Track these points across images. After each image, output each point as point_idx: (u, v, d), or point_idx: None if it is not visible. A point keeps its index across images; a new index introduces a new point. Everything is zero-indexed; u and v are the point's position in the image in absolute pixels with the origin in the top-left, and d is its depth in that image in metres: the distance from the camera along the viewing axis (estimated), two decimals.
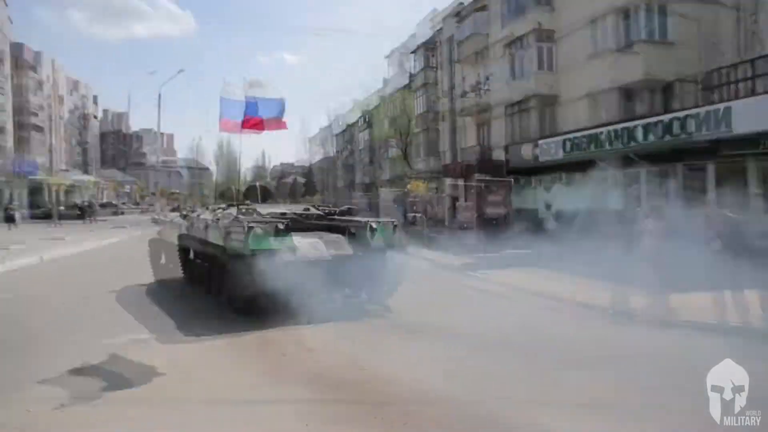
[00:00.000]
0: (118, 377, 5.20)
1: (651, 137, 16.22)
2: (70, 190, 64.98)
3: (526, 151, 22.53)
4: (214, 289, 9.04)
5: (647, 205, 9.75)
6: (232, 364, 5.76)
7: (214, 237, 8.44)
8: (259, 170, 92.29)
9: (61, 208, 40.35)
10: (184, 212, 12.08)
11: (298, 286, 6.72)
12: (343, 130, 72.42)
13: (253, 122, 9.72)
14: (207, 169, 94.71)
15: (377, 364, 5.68)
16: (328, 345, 6.47)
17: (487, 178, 14.19)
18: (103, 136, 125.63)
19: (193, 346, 6.41)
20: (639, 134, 16.69)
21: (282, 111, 9.76)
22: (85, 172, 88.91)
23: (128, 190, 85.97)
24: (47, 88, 79.23)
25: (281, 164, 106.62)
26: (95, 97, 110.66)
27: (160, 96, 28.70)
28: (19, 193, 33.80)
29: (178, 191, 72.09)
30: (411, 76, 41.39)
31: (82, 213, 32.22)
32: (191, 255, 10.73)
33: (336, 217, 9.49)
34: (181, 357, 6.02)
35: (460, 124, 31.55)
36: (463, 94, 29.54)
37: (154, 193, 63.69)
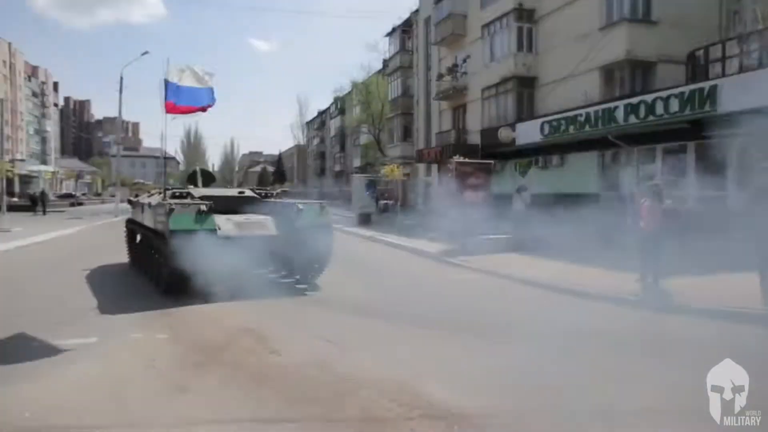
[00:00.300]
0: None
1: (632, 118, 15.68)
2: (26, 180, 62.12)
3: (504, 135, 21.89)
4: (148, 271, 9.20)
5: (645, 185, 9.06)
6: (147, 341, 5.63)
7: (147, 220, 8.70)
8: (228, 158, 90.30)
9: (15, 199, 38.18)
10: (131, 198, 12.43)
11: (220, 264, 6.80)
12: (314, 117, 71.07)
13: (188, 108, 9.52)
14: (174, 158, 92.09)
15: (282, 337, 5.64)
16: (237, 319, 6.43)
17: (468, 161, 13.37)
18: (63, 124, 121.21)
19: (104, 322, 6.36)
20: (620, 115, 16.14)
21: (212, 99, 9.57)
22: (44, 162, 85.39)
23: (89, 181, 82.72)
24: (2, 74, 75.52)
25: (250, 152, 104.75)
26: (56, 84, 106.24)
27: (121, 79, 27.12)
28: None
29: (142, 181, 69.57)
30: (385, 61, 40.42)
31: (33, 203, 30.06)
32: (137, 239, 10.96)
33: (269, 199, 9.62)
34: (91, 332, 5.88)
35: (435, 108, 30.76)
36: (439, 77, 28.71)
37: (114, 184, 61.57)
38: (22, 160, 69.85)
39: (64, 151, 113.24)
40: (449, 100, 28.73)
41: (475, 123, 25.82)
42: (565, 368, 4.54)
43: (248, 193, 9.59)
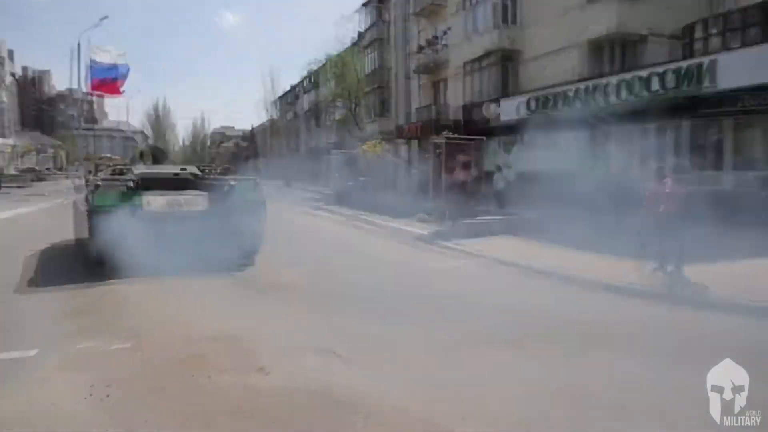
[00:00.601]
0: None
1: (625, 94, 15.10)
2: None
3: (487, 111, 21.17)
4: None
5: (666, 164, 8.45)
6: (97, 354, 4.58)
7: (87, 197, 8.67)
8: (198, 133, 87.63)
9: None
10: (86, 176, 12.14)
11: (146, 240, 6.90)
12: (287, 92, 69.08)
13: (110, 86, 9.55)
14: (142, 132, 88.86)
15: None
16: (208, 317, 5.65)
17: (457, 137, 12.59)
18: (22, 96, 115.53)
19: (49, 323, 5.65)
20: (612, 91, 15.55)
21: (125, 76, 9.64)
22: (2, 135, 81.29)
23: (52, 155, 79.15)
24: None
25: (221, 127, 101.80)
26: (11, 52, 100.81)
27: (79, 46, 25.20)
28: None
29: (109, 155, 66.89)
30: (360, 33, 39.00)
31: None
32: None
33: (210, 176, 9.66)
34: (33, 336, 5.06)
35: (414, 83, 29.74)
36: (419, 50, 27.68)
37: (85, 159, 58.96)
38: None
39: (24, 125, 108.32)
40: (429, 74, 27.75)
41: (456, 98, 24.97)
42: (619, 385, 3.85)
43: (189, 170, 9.58)
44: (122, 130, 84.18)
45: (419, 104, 28.55)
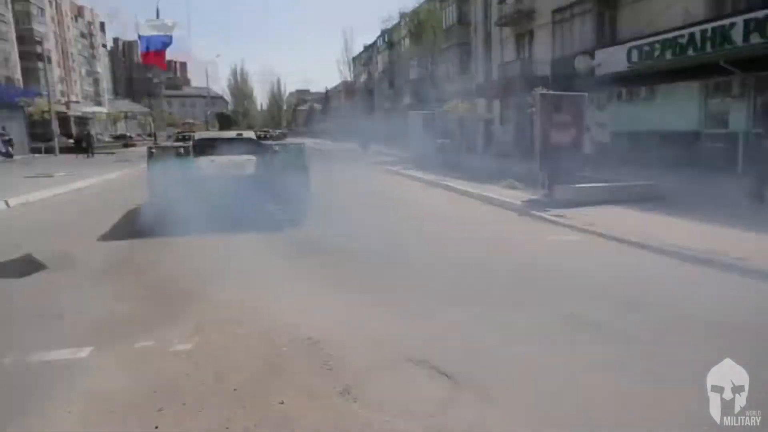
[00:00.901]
0: None
1: (756, 37, 12.91)
2: (82, 122, 62.73)
3: (580, 64, 19.22)
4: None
5: None
6: (156, 358, 3.78)
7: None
8: (275, 97, 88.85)
9: (71, 141, 37.96)
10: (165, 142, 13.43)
11: (195, 201, 7.55)
12: (361, 53, 67.96)
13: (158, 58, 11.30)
14: (221, 97, 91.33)
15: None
16: (285, 313, 4.56)
17: (555, 93, 11.18)
18: (114, 66, 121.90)
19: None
20: (738, 35, 13.35)
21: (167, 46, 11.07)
22: (98, 103, 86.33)
23: (142, 121, 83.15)
24: (50, 14, 75.41)
25: (297, 90, 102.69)
26: (102, 25, 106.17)
27: (158, 11, 25.29)
28: (20, 125, 31.18)
29: (192, 121, 69.25)
30: None
31: (78, 145, 29.16)
32: None
33: (264, 141, 9.97)
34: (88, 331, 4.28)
35: (496, 37, 27.78)
36: (501, 1, 25.65)
37: (168, 125, 61.39)
38: (77, 102, 70.58)
39: (117, 93, 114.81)
40: (513, 26, 25.71)
41: (543, 52, 22.97)
42: None
43: (245, 135, 10.05)
44: (203, 96, 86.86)
45: (502, 60, 26.67)
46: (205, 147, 9.04)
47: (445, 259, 6.42)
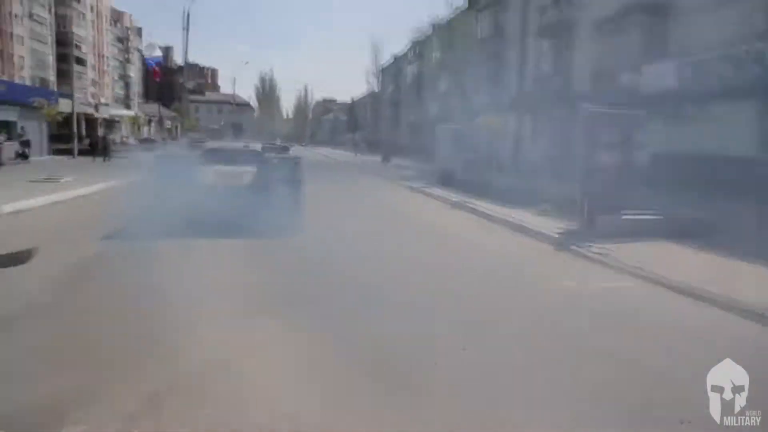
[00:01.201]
0: None
1: None
2: (109, 124, 63.09)
3: (626, 80, 17.72)
4: None
5: None
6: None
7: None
8: (301, 106, 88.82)
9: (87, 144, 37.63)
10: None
11: (195, 208, 8.10)
12: (390, 64, 67.15)
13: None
14: (248, 104, 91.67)
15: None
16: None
17: (607, 109, 9.77)
18: (145, 70, 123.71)
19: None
20: None
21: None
22: (128, 106, 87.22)
23: (169, 126, 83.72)
24: (90, 19, 76.54)
25: (324, 100, 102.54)
26: (139, 30, 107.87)
27: (188, 16, 24.74)
28: (40, 127, 30.86)
29: (216, 126, 69.33)
30: None
31: (93, 148, 28.47)
32: None
33: (267, 153, 10.53)
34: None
35: (531, 49, 26.38)
36: (542, 11, 24.28)
37: (195, 129, 61.46)
38: (106, 104, 71.19)
39: (148, 97, 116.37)
40: (552, 38, 24.30)
41: (583, 66, 21.50)
42: None
43: (251, 146, 10.76)
44: (230, 103, 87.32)
45: (538, 73, 25.23)
46: (213, 156, 9.80)
47: (479, 328, 4.65)
